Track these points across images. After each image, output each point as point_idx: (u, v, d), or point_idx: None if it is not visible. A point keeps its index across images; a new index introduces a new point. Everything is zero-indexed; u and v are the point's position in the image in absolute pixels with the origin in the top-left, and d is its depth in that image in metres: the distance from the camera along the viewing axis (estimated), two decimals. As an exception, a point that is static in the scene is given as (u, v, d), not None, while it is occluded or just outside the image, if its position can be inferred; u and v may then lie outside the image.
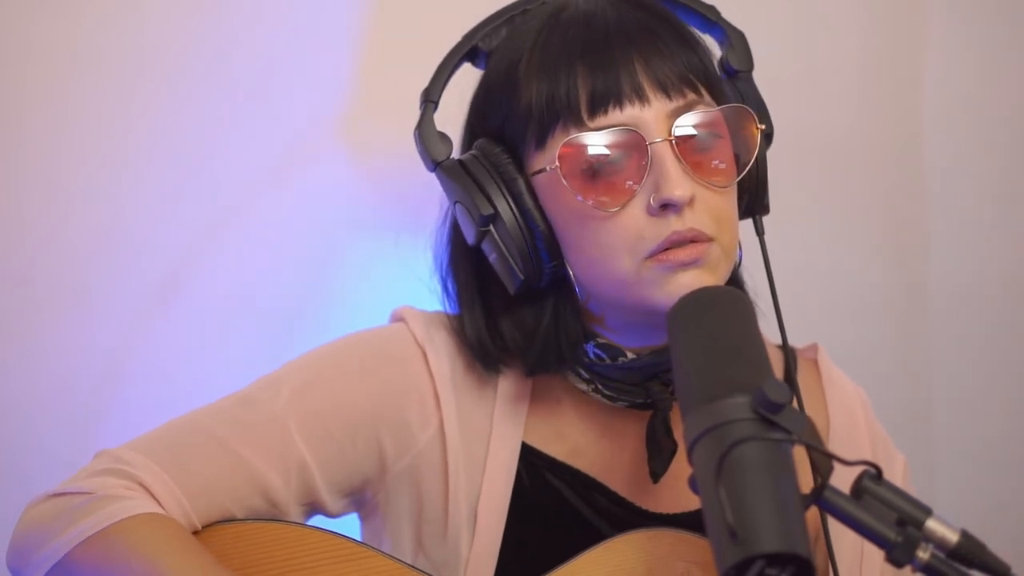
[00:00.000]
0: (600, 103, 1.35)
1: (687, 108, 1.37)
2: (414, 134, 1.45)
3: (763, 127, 1.41)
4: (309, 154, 1.86)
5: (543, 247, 1.40)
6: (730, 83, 1.46)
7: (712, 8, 1.48)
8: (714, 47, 1.48)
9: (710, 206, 1.36)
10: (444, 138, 1.44)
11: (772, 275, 1.45)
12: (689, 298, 1.17)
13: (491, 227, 1.40)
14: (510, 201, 1.40)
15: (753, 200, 1.45)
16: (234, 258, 1.85)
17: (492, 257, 1.42)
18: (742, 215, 1.46)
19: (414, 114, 1.44)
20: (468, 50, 1.46)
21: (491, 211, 1.39)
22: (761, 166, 1.44)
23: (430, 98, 1.45)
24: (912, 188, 2.16)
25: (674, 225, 1.34)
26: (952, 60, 2.14)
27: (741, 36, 1.48)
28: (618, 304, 1.40)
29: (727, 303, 1.15)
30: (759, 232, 1.46)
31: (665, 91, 1.36)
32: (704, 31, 1.48)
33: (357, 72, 1.87)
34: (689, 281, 1.35)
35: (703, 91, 1.39)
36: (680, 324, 1.15)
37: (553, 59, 1.38)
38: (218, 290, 1.85)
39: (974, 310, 2.18)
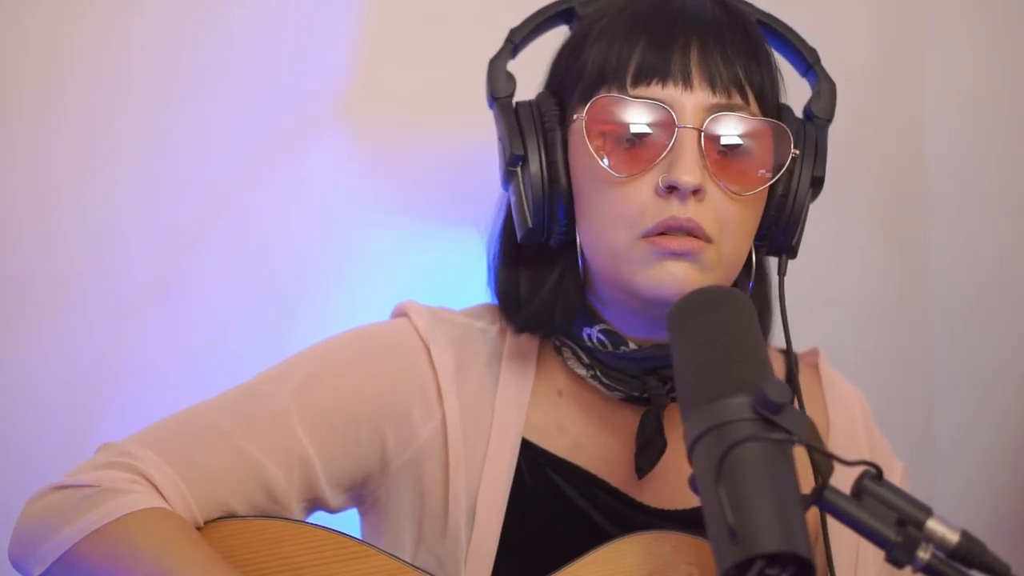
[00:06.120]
0: (645, 74, 1.38)
1: (728, 108, 1.38)
2: (488, 64, 1.46)
3: (794, 153, 1.40)
4: (302, 151, 1.86)
5: (561, 202, 1.42)
6: (805, 123, 1.45)
7: (813, 52, 1.48)
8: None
9: (719, 208, 1.37)
10: (510, 77, 1.46)
11: (786, 315, 1.44)
12: (690, 297, 1.17)
13: (518, 169, 1.42)
14: (541, 148, 1.42)
15: (782, 238, 1.44)
16: (228, 255, 1.84)
17: (512, 201, 1.44)
18: (770, 251, 1.46)
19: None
20: (564, 9, 1.48)
21: (520, 152, 1.41)
22: (797, 208, 1.42)
23: (511, 38, 1.48)
24: (912, 188, 2.16)
25: (675, 210, 1.35)
26: (953, 59, 2.13)
27: (832, 87, 1.48)
28: (609, 279, 1.41)
29: (728, 303, 1.15)
30: (780, 272, 1.45)
31: (711, 84, 1.37)
32: (800, 71, 1.49)
33: (350, 69, 1.87)
34: (675, 271, 1.35)
35: (752, 101, 1.40)
36: (680, 323, 1.15)
37: (620, 27, 1.40)
38: (213, 287, 1.85)
39: (974, 310, 2.18)
